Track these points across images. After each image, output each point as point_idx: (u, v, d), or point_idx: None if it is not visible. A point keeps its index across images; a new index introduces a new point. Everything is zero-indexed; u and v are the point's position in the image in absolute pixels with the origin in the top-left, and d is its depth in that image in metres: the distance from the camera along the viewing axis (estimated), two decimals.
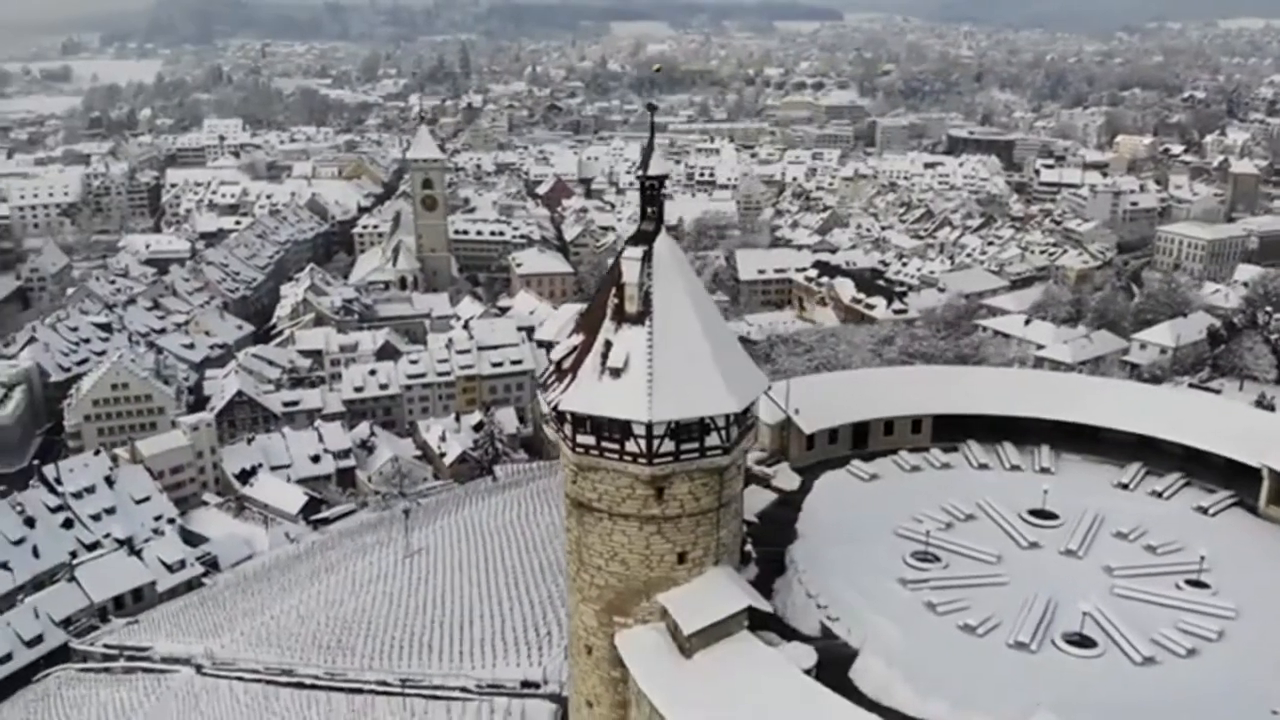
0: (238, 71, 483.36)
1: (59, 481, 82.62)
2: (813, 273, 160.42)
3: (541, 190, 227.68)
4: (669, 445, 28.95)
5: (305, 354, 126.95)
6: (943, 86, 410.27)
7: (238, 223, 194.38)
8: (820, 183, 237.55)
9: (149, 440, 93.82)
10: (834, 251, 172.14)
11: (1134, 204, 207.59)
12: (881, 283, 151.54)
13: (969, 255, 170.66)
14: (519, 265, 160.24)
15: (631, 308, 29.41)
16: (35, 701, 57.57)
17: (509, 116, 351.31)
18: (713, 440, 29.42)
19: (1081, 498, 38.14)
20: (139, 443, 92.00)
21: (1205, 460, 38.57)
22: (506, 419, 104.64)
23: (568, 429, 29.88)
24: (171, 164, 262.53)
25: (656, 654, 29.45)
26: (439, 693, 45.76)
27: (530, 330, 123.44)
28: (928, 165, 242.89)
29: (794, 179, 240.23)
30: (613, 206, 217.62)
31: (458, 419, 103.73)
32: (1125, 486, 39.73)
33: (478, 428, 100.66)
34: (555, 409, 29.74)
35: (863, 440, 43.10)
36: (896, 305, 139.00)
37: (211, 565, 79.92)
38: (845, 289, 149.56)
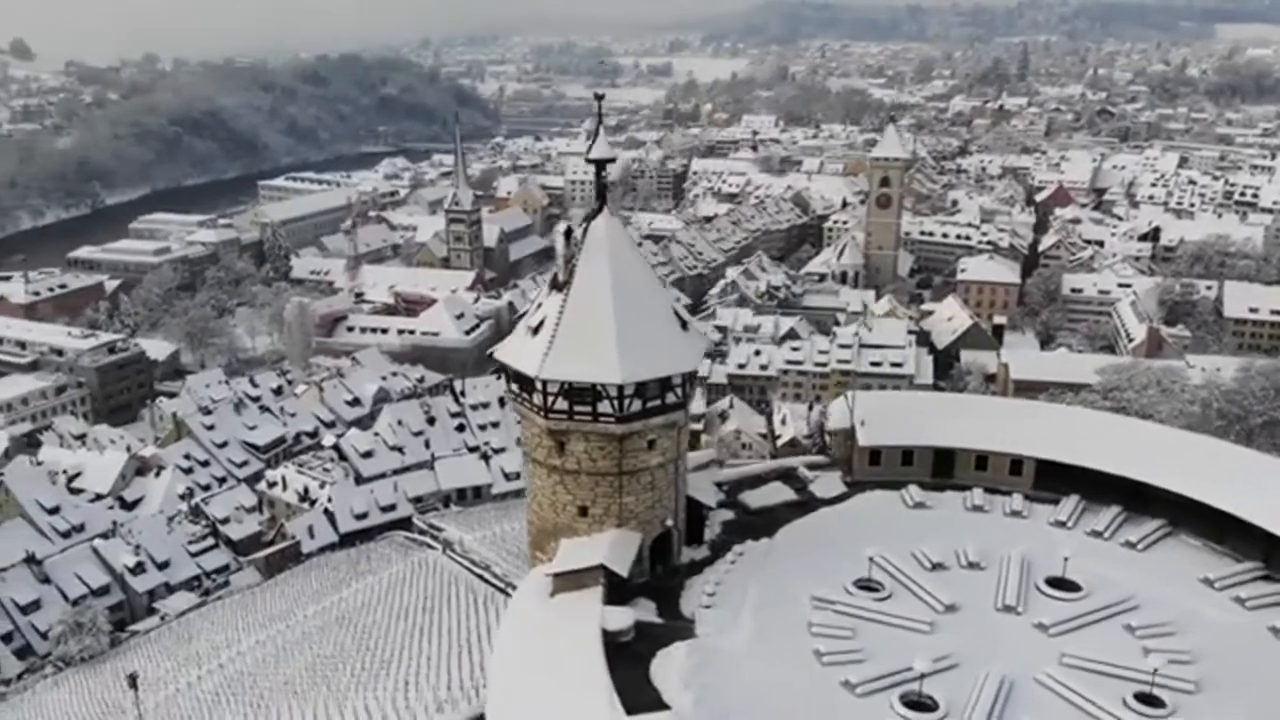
0: (803, 72, 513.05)
1: (463, 394, 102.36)
2: None
3: (1041, 197, 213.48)
4: (563, 404, 31.77)
5: (718, 329, 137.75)
6: None
7: (729, 211, 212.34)
8: None
9: None
10: None
11: None
12: None
13: None
14: (963, 271, 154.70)
15: (561, 276, 32.68)
16: (366, 551, 74.64)
17: (1048, 120, 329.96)
18: (605, 408, 31.48)
19: (1135, 582, 32.39)
20: None
21: None
22: None
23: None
24: (710, 155, 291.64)
25: (538, 589, 32.57)
26: None
27: (924, 334, 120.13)
28: None
29: None
30: (1117, 219, 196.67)
31: (810, 408, 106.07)
32: (1210, 584, 32.42)
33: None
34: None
35: (947, 470, 39.88)
36: None
37: None
38: None
